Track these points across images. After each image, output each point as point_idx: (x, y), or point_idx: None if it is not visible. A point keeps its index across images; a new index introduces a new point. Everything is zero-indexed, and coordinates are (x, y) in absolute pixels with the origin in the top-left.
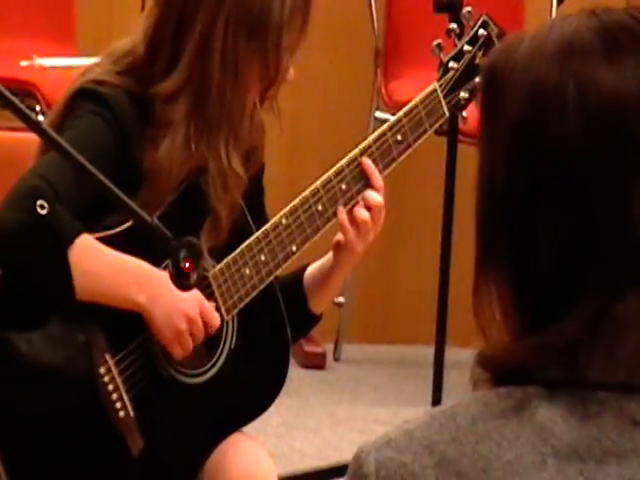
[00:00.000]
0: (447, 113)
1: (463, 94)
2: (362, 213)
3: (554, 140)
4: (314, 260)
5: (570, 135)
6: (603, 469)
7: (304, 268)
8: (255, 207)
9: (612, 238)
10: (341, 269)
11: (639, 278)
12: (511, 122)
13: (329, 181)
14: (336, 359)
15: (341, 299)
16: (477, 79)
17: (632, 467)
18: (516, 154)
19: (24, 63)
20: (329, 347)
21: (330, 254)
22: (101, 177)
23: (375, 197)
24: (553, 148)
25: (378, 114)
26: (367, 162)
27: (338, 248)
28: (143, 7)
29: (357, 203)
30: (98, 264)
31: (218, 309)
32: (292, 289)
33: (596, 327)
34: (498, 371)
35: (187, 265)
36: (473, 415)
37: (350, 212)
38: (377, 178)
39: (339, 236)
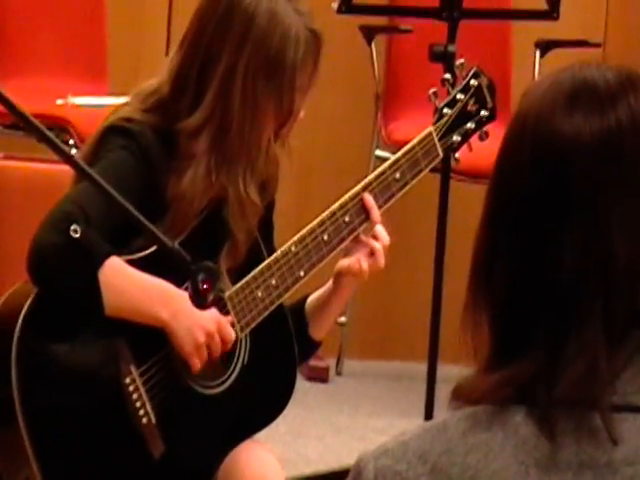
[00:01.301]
0: (441, 154)
1: (456, 137)
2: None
3: (510, 180)
4: (319, 283)
5: (523, 174)
6: None
7: (305, 297)
8: (267, 235)
9: (551, 275)
10: (341, 295)
11: (583, 312)
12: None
13: (334, 213)
14: (338, 373)
15: (343, 319)
16: (468, 124)
17: (607, 479)
18: (491, 191)
19: (59, 101)
20: (332, 362)
21: (329, 284)
22: (128, 205)
23: (384, 235)
24: (509, 187)
25: (378, 152)
26: (368, 198)
27: (341, 274)
28: (167, 51)
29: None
30: (125, 284)
31: (233, 326)
32: (294, 317)
33: (552, 363)
34: (466, 404)
35: (205, 287)
36: (463, 428)
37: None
38: (376, 213)
39: (342, 262)
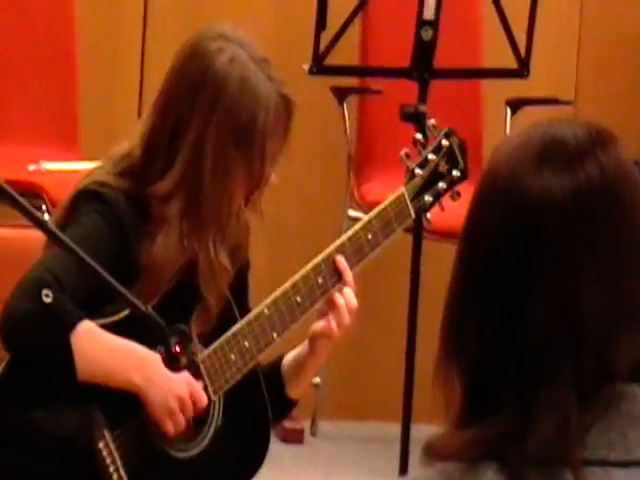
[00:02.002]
0: (414, 215)
1: (428, 198)
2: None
3: (480, 239)
4: (291, 344)
5: (493, 234)
6: None
7: (282, 357)
8: (240, 298)
9: (520, 335)
10: (317, 357)
11: (554, 371)
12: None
13: (307, 275)
14: (313, 434)
15: (317, 380)
16: (440, 184)
17: None
18: (461, 251)
19: (32, 167)
20: (306, 423)
21: (305, 344)
22: (100, 270)
23: (352, 299)
24: (479, 247)
25: (351, 213)
26: (340, 260)
27: (315, 338)
28: (139, 113)
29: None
30: (97, 349)
31: (206, 389)
32: (271, 376)
33: (523, 421)
34: (437, 460)
35: (178, 349)
36: None
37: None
38: (348, 275)
39: (316, 326)
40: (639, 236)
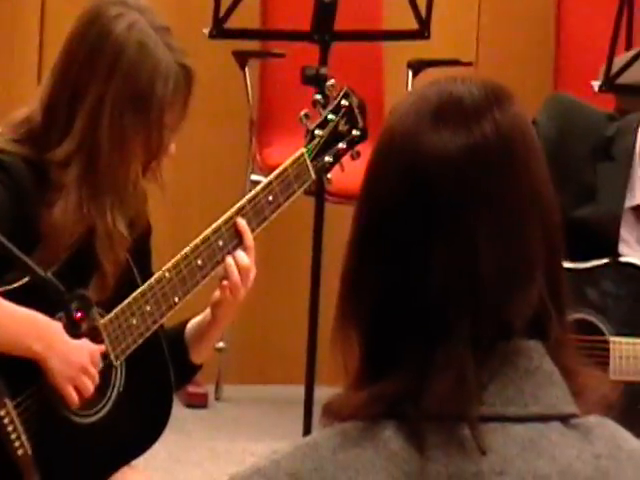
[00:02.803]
0: (314, 176)
1: (328, 159)
2: (235, 277)
3: (377, 198)
4: (196, 308)
5: (390, 191)
6: None
7: (186, 322)
8: (142, 264)
9: (418, 292)
10: (218, 324)
11: (450, 327)
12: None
13: (207, 238)
14: (217, 399)
15: (221, 344)
16: (340, 145)
17: None
18: (359, 209)
19: None
20: (210, 388)
21: (208, 310)
22: None
23: (243, 259)
24: (376, 205)
25: (253, 177)
26: (240, 222)
27: (216, 305)
28: (39, 79)
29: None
30: None
31: (108, 355)
32: (174, 341)
33: (420, 378)
34: (336, 421)
35: (79, 315)
36: (333, 445)
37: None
38: (248, 237)
39: (217, 294)
40: (534, 193)
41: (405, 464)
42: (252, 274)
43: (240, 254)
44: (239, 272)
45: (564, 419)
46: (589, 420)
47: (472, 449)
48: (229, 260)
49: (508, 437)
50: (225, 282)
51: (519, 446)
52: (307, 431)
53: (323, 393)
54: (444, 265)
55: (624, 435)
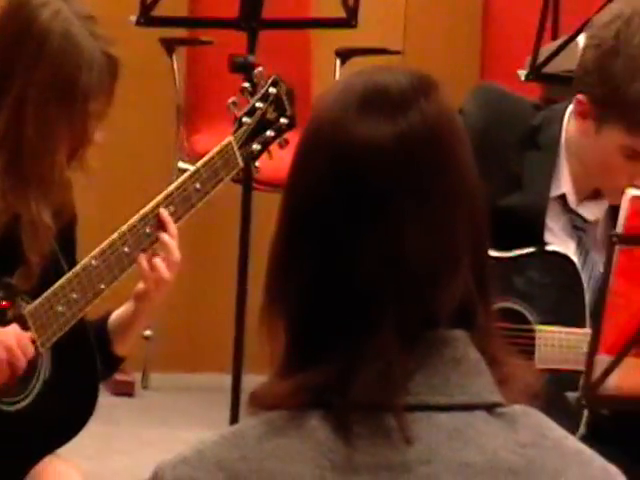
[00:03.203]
0: (241, 163)
1: (256, 146)
2: (159, 263)
3: (304, 187)
4: (123, 296)
5: (316, 181)
6: None
7: (109, 314)
8: (69, 253)
9: (344, 281)
10: (142, 316)
11: (376, 317)
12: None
13: (134, 225)
14: (144, 387)
15: (148, 332)
16: (268, 132)
17: (402, 478)
18: (286, 198)
19: None
20: (138, 376)
21: (131, 301)
22: None
23: (168, 250)
24: (303, 194)
25: (181, 165)
26: (162, 212)
27: (139, 297)
28: None
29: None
30: None
31: (34, 342)
32: (98, 333)
33: (347, 367)
34: (262, 410)
35: (4, 304)
36: (259, 434)
37: (150, 261)
38: (172, 228)
39: (140, 286)
40: (461, 182)
41: (331, 453)
42: (176, 265)
43: (164, 245)
44: (164, 264)
45: (489, 408)
46: (514, 409)
47: (398, 439)
48: (144, 261)
49: (434, 426)
50: (149, 274)
51: (445, 435)
52: (234, 420)
53: (251, 381)
54: (370, 254)
55: (549, 424)
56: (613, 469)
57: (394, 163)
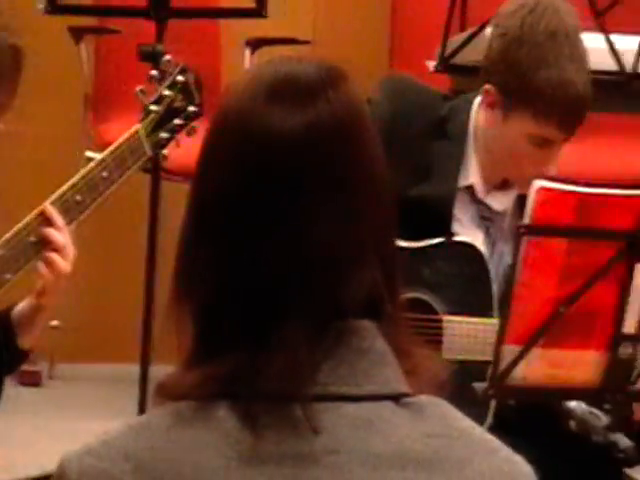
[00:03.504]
0: (149, 152)
1: (163, 134)
2: (54, 256)
3: (211, 177)
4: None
5: (224, 171)
6: (282, 471)
7: (11, 307)
8: None
9: (251, 273)
10: (44, 310)
11: (284, 307)
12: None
13: (40, 214)
14: (51, 377)
15: (55, 322)
16: (176, 121)
17: (308, 468)
18: (193, 187)
19: None
20: (44, 366)
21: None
22: None
23: (59, 244)
24: (210, 184)
25: (89, 153)
26: (47, 208)
27: (39, 294)
28: None
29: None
30: None
31: None
32: (1, 325)
33: (254, 358)
34: (170, 400)
35: None
36: (167, 425)
37: (45, 256)
38: (58, 221)
39: (39, 281)
40: (369, 174)
41: (238, 444)
42: (71, 255)
43: (51, 233)
44: (59, 252)
45: (396, 398)
46: (421, 399)
47: (305, 429)
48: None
49: (341, 417)
50: (45, 269)
51: (352, 425)
52: (142, 410)
53: (159, 372)
54: (278, 246)
55: (455, 414)
56: (519, 459)
57: (301, 154)
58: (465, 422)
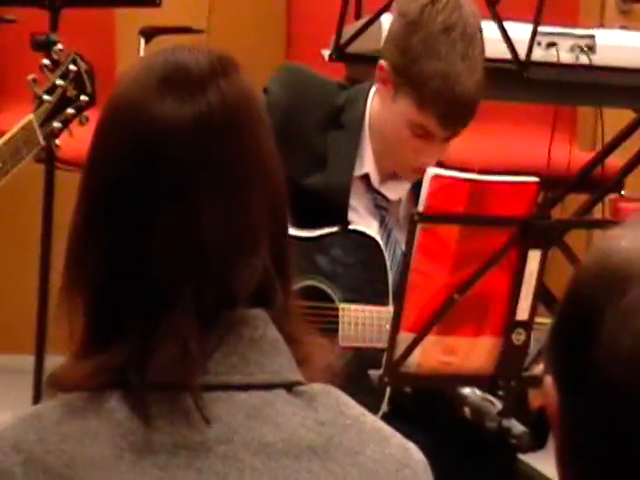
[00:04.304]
0: (42, 141)
1: (56, 124)
2: None
3: (102, 165)
4: None
5: (114, 159)
6: (174, 460)
7: None
8: None
9: (142, 262)
10: None
11: (174, 297)
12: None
13: None
14: None
15: None
16: (69, 110)
17: (200, 458)
18: (84, 176)
19: None
20: None
21: None
22: None
23: None
24: (101, 173)
25: None
26: None
27: None
28: None
29: None
30: None
31: None
32: None
33: (145, 347)
34: (61, 391)
35: None
36: (57, 417)
37: None
38: None
39: None
40: (260, 163)
41: (130, 434)
42: None
43: None
44: None
45: (288, 387)
46: (313, 388)
47: (197, 419)
48: None
49: (233, 406)
50: None
51: (244, 414)
52: (37, 402)
53: (54, 363)
54: (166, 236)
55: (348, 402)
56: (412, 447)
57: (192, 143)
58: (357, 410)
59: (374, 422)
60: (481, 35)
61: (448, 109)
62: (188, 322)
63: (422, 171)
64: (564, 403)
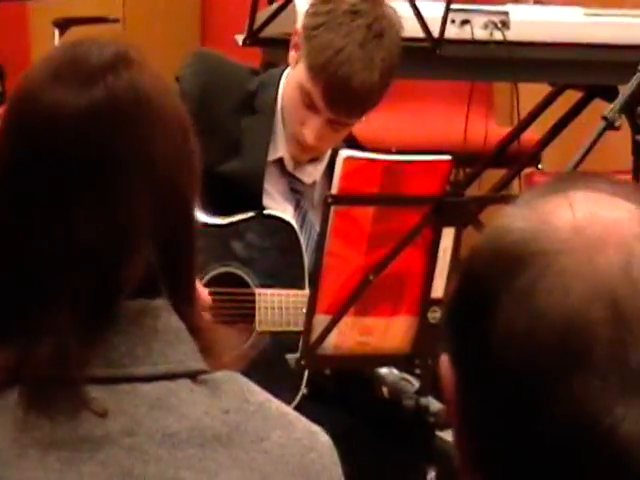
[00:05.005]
0: None
1: None
2: None
3: None
4: None
5: (2, 151)
6: (78, 455)
7: None
8: None
9: (22, 258)
10: None
11: (52, 293)
12: None
13: None
14: None
15: None
16: None
17: (105, 451)
18: None
19: None
20: None
21: None
22: None
23: None
24: None
25: None
26: None
27: None
28: None
29: None
30: None
31: None
32: None
33: (32, 344)
34: None
35: None
36: None
37: None
38: None
39: None
40: (148, 159)
41: (34, 430)
42: None
43: None
44: None
45: (192, 376)
46: (217, 376)
47: (100, 412)
48: None
49: (137, 397)
50: None
51: (148, 405)
52: None
53: None
54: (45, 231)
55: (252, 388)
56: (318, 430)
57: (71, 138)
58: (262, 396)
59: (279, 407)
60: (396, 48)
61: (333, 86)
62: (62, 317)
63: (307, 148)
64: (461, 383)
